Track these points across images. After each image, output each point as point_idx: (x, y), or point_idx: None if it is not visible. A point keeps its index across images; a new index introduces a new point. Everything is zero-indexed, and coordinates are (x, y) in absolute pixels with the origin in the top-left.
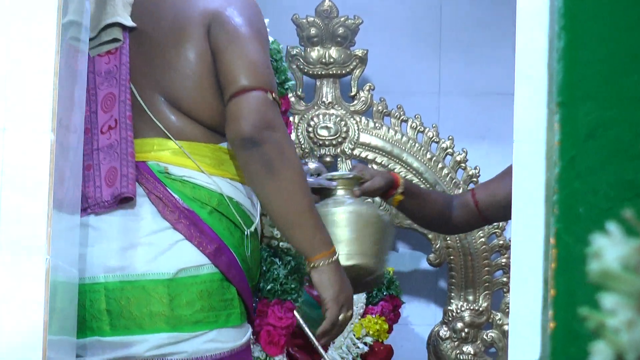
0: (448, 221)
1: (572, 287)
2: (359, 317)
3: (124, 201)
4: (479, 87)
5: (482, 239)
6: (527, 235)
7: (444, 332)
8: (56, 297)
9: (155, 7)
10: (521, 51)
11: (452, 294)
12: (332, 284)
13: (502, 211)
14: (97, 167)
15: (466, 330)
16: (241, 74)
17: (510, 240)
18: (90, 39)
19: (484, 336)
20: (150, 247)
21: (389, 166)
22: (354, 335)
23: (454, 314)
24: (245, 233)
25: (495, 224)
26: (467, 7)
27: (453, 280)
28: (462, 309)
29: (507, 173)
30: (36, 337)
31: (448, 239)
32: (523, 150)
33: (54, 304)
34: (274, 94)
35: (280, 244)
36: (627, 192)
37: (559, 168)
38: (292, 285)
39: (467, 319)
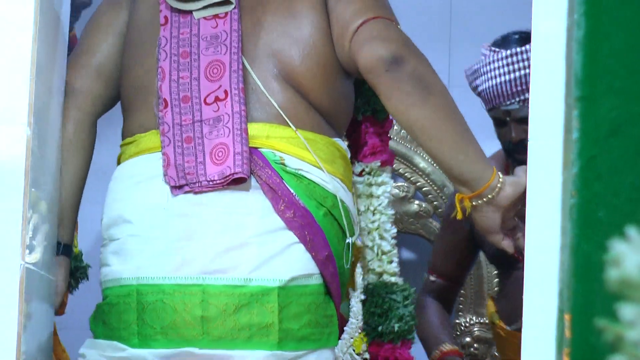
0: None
1: (589, 297)
2: (359, 331)
3: (235, 183)
4: None
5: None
6: (542, 243)
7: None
8: (31, 303)
9: None
10: (537, 42)
11: (461, 306)
12: (502, 210)
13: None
14: (199, 140)
15: (475, 345)
16: (364, 8)
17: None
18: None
19: (495, 353)
20: (260, 249)
21: (394, 166)
22: (354, 350)
23: (462, 328)
24: (348, 241)
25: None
26: (477, 0)
27: (462, 291)
28: (472, 322)
29: (446, 226)
30: (9, 347)
31: None
32: (538, 149)
33: (29, 312)
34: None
35: (394, 278)
36: None
37: (578, 168)
38: (413, 322)
39: (476, 333)
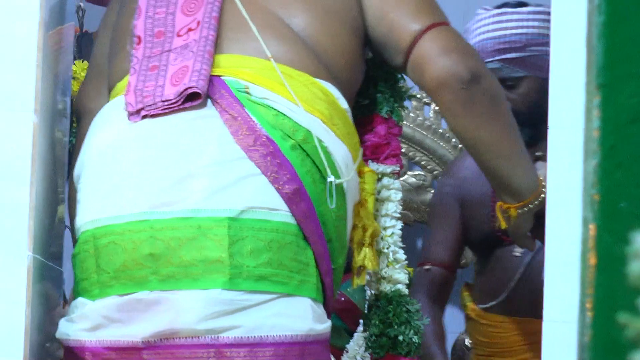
0: None
1: (611, 291)
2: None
3: (191, 101)
4: None
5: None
6: (562, 234)
7: (469, 342)
8: (38, 294)
9: None
10: (556, 29)
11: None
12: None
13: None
14: (163, 67)
15: None
16: (423, 11)
17: None
18: None
19: None
20: (212, 179)
21: (410, 154)
22: None
23: (469, 346)
24: (329, 180)
25: None
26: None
27: None
28: None
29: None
30: (17, 338)
31: None
32: (559, 137)
33: (36, 303)
34: None
35: (399, 286)
36: None
37: (599, 157)
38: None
39: None
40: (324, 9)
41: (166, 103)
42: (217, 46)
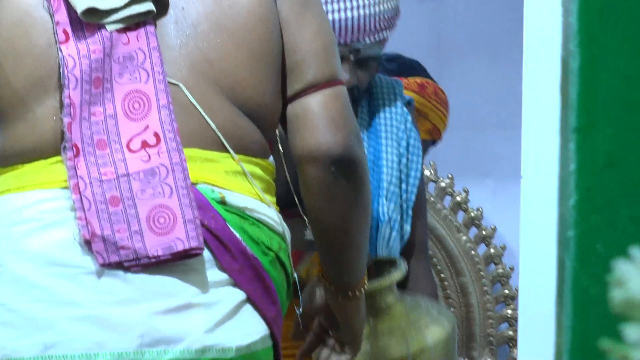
0: None
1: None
2: None
3: (187, 257)
4: (482, 119)
5: (486, 288)
6: (538, 280)
7: None
8: None
9: None
10: (529, 75)
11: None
12: (362, 311)
13: None
14: (130, 203)
15: None
16: (320, 57)
17: (517, 289)
18: (113, 10)
19: None
20: (207, 311)
21: None
22: None
23: None
24: (292, 281)
25: (500, 271)
26: (467, 33)
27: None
28: None
29: None
30: None
31: (447, 289)
32: (531, 185)
33: None
34: None
35: None
36: None
37: (574, 201)
38: None
39: None
40: (263, 70)
41: (153, 260)
42: None
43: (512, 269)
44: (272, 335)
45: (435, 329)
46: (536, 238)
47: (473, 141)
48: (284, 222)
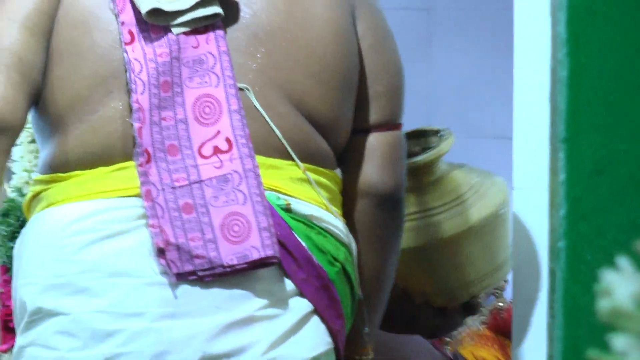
0: None
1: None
2: None
3: (262, 267)
4: (474, 129)
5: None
6: (529, 290)
7: None
8: None
9: None
10: (520, 86)
11: None
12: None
13: None
14: (203, 210)
15: None
16: (393, 98)
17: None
18: (178, 12)
19: None
20: (272, 324)
21: None
22: None
23: None
24: (357, 299)
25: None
26: (460, 43)
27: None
28: None
29: None
30: None
31: None
32: (524, 196)
33: None
34: None
35: None
36: (638, 233)
37: (565, 210)
38: None
39: None
40: (323, 67)
41: (228, 269)
42: None
43: (505, 281)
44: (337, 349)
45: (495, 190)
46: (528, 249)
47: (466, 150)
48: (350, 234)
